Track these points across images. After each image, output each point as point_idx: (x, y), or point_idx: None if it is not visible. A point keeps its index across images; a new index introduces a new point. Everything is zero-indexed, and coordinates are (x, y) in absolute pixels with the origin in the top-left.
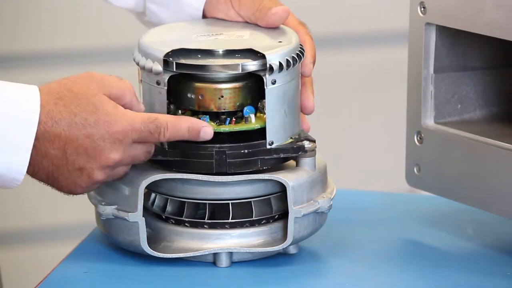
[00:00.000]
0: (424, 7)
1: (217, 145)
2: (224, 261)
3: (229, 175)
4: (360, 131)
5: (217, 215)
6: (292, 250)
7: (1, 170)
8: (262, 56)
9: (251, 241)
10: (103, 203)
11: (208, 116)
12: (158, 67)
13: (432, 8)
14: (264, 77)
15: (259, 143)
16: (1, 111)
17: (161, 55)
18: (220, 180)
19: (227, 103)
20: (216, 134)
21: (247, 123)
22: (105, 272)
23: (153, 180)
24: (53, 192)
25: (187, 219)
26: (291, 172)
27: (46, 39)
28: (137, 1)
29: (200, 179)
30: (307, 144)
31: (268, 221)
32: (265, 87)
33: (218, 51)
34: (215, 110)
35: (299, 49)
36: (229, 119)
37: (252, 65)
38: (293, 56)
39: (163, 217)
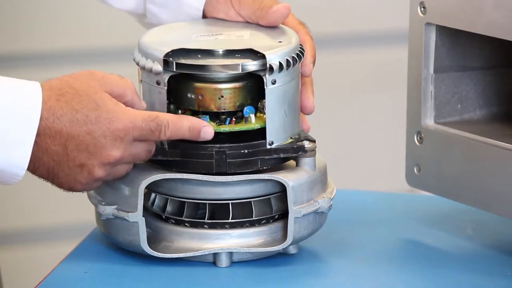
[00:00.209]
0: (424, 7)
1: (217, 145)
2: (224, 261)
3: (229, 175)
4: (360, 131)
5: (217, 215)
6: (292, 250)
7: (2, 165)
8: (262, 56)
9: (251, 241)
10: (103, 203)
11: (208, 116)
12: (158, 67)
13: (432, 8)
14: (264, 77)
15: (259, 143)
16: (3, 106)
17: (161, 55)
18: (220, 180)
19: (227, 103)
20: (216, 134)
21: (247, 123)
22: (105, 272)
23: (153, 180)
24: (53, 192)
25: (187, 219)
26: (291, 172)
27: (46, 39)
28: (137, 2)
29: (200, 179)
30: (307, 144)
31: (268, 221)
32: (265, 87)
33: (218, 51)
34: (215, 110)
35: (299, 49)
36: (229, 119)
37: (252, 65)
38: (293, 56)
39: (163, 217)
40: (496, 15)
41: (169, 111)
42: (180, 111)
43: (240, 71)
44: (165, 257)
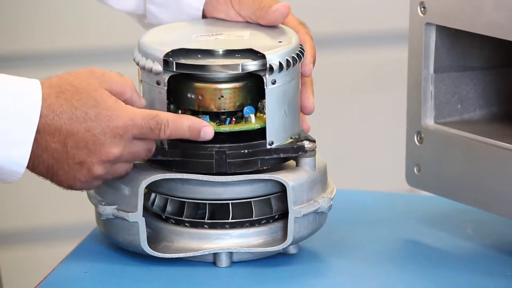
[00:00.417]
0: (424, 7)
1: (217, 145)
2: (224, 261)
3: (229, 175)
4: (360, 131)
5: (217, 215)
6: (292, 250)
7: (2, 163)
8: (262, 56)
9: (251, 241)
10: (103, 203)
11: (208, 116)
12: (158, 67)
13: (432, 8)
14: (264, 77)
15: (259, 143)
16: (2, 104)
17: (161, 55)
18: (220, 180)
19: (227, 103)
20: (216, 134)
21: (247, 123)
22: (105, 272)
23: (153, 180)
24: (53, 192)
25: (187, 219)
26: (291, 172)
27: (46, 39)
28: (137, 3)
29: (200, 179)
30: (307, 144)
31: (268, 221)
32: (265, 87)
33: (218, 51)
34: (215, 110)
35: (299, 49)
36: (229, 119)
37: (252, 65)
38: (293, 56)
39: (163, 217)
40: (496, 15)
41: (169, 111)
42: (180, 111)
43: (240, 71)
44: (165, 257)
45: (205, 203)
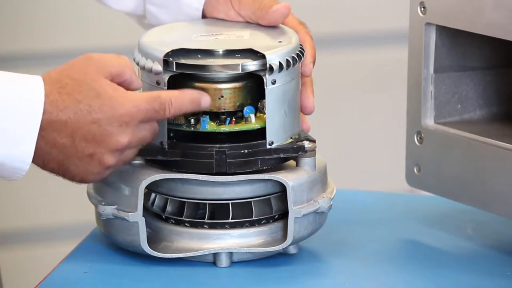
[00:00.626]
0: (424, 7)
1: (217, 145)
2: (224, 261)
3: (229, 175)
4: (360, 131)
5: (217, 215)
6: (292, 250)
7: (6, 160)
8: (262, 56)
9: (251, 241)
10: (103, 203)
11: (208, 116)
12: (158, 67)
13: (432, 8)
14: (264, 77)
15: (259, 143)
16: (5, 101)
17: (161, 55)
18: (220, 180)
19: (227, 103)
20: (216, 134)
21: (247, 123)
22: (105, 272)
23: (153, 180)
24: (53, 192)
25: (187, 219)
26: (291, 172)
27: (46, 39)
28: (136, 3)
29: (200, 179)
30: (307, 144)
31: (268, 221)
32: (265, 87)
33: (218, 51)
34: (215, 110)
35: (299, 49)
36: (229, 119)
37: (252, 65)
38: (293, 56)
39: (163, 217)
40: (496, 15)
41: None
42: None
43: (240, 71)
44: (165, 257)
45: (205, 203)
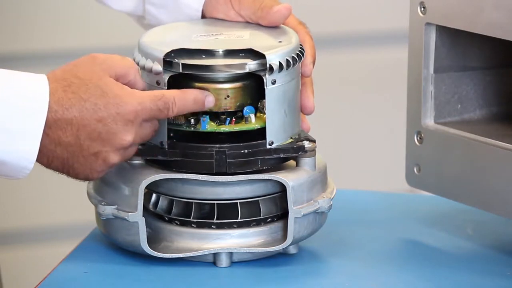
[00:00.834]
0: (424, 7)
1: (217, 145)
2: (224, 261)
3: (229, 175)
4: (360, 131)
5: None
6: (292, 250)
7: (10, 158)
8: (262, 56)
9: (251, 241)
10: (103, 203)
11: (208, 116)
12: (158, 67)
13: (432, 8)
14: (264, 77)
15: (259, 143)
16: (9, 99)
17: (161, 55)
18: (220, 180)
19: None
20: (216, 134)
21: (247, 123)
22: (105, 272)
23: (153, 180)
24: (53, 192)
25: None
26: (291, 172)
27: (46, 39)
28: (136, 4)
29: (200, 179)
30: (307, 144)
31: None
32: (265, 87)
33: (218, 51)
34: (215, 110)
35: (299, 49)
36: (229, 119)
37: (252, 65)
38: (293, 56)
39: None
40: (496, 15)
41: None
42: None
43: (246, 71)
44: (165, 257)
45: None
